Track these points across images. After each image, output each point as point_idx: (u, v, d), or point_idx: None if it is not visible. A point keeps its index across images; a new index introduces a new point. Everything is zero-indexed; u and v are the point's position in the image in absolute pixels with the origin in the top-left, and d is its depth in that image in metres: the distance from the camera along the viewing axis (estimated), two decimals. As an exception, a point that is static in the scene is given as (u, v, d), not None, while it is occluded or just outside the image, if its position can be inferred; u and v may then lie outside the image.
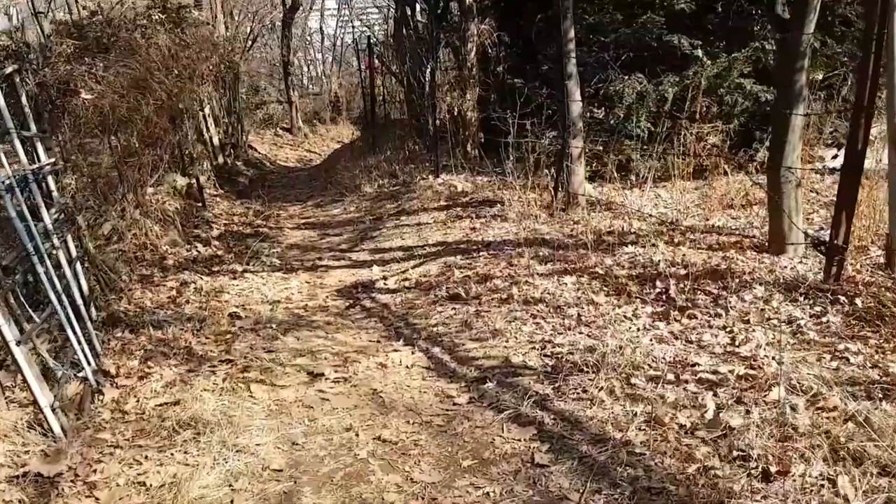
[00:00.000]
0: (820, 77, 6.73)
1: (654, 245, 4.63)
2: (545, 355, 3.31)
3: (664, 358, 3.07)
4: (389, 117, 13.24)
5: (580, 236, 5.19)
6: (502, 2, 9.13)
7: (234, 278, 5.29)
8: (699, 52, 6.81)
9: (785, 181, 3.99)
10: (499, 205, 6.54)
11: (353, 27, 22.45)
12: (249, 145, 15.31)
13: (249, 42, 19.57)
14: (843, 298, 3.25)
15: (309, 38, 26.18)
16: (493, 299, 4.20)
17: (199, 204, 7.78)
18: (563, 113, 5.94)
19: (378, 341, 3.90)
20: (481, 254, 5.23)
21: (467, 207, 6.76)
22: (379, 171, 9.19)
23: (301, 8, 21.43)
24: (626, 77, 6.94)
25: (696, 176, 6.76)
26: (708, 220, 5.53)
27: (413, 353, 3.63)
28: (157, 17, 6.35)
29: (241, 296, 4.87)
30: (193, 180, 7.81)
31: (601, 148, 7.11)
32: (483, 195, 7.06)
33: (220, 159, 11.17)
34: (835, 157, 6.81)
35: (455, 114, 8.24)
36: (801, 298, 3.40)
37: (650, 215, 5.70)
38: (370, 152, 10.64)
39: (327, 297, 5.00)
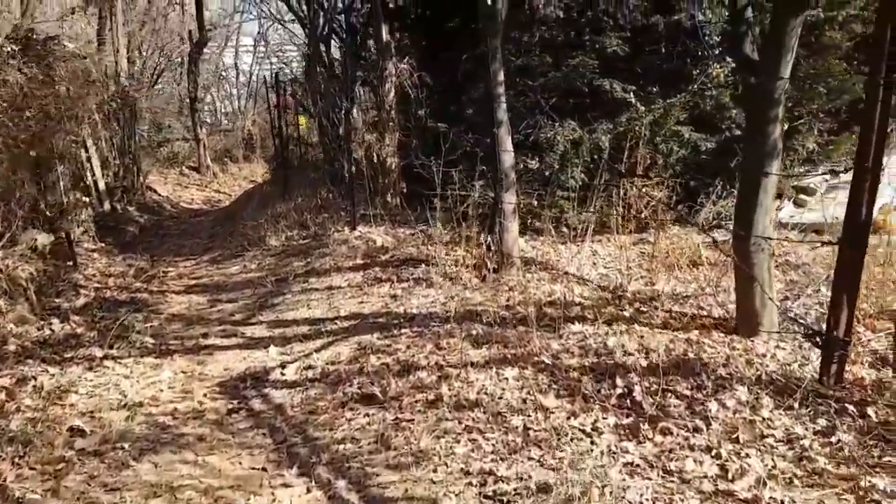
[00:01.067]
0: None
1: (606, 324, 3.95)
2: (486, 497, 2.49)
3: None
4: (305, 159, 12.32)
5: (518, 307, 4.46)
6: (423, 40, 8.52)
7: (91, 368, 4.21)
8: (632, 98, 6.35)
9: (757, 250, 3.40)
10: (424, 265, 5.74)
11: (271, 63, 21.55)
12: (148, 187, 13.98)
13: (154, 77, 18.39)
14: (851, 408, 2.62)
15: (224, 74, 25.12)
16: (416, 401, 3.36)
17: (70, 263, 6.59)
18: (493, 164, 5.25)
19: (264, 468, 2.96)
20: (403, 331, 4.39)
21: (387, 267, 5.93)
22: (288, 220, 8.23)
23: (208, 43, 20.40)
24: (558, 124, 6.39)
25: (637, 229, 6.24)
26: (654, 283, 4.93)
27: (309, 490, 2.73)
28: (8, 49, 5.27)
29: (92, 396, 3.81)
30: (63, 235, 6.64)
31: (535, 202, 6.49)
32: (406, 252, 6.25)
33: (107, 206, 9.91)
34: (779, 208, 6.46)
35: (373, 159, 7.45)
36: (797, 406, 2.74)
37: (590, 281, 5.04)
38: (280, 198, 9.67)
39: (206, 394, 4.00)
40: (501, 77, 5.21)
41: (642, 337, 3.70)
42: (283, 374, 4.15)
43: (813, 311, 4.01)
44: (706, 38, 6.04)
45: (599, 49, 6.45)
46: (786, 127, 5.87)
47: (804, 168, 6.80)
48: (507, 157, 5.20)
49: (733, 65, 6.00)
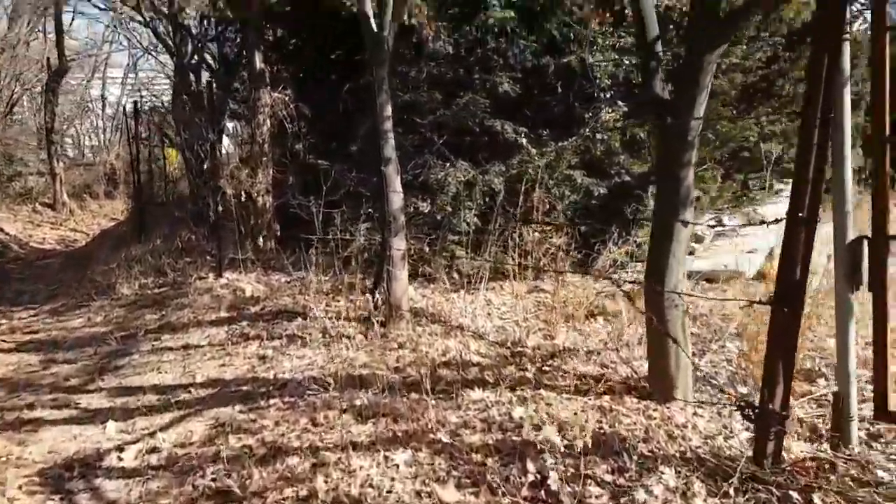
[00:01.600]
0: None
1: (509, 389, 3.48)
2: None
3: None
4: (170, 196, 11.20)
5: (409, 369, 3.90)
6: (301, 70, 7.95)
7: None
8: (524, 140, 6.11)
9: (671, 306, 3.08)
10: (300, 318, 5.06)
11: (141, 95, 20.07)
12: (-6, 225, 12.25)
13: (8, 106, 16.57)
14: (795, 496, 2.28)
15: (90, 105, 23.20)
16: (284, 499, 2.70)
17: None
18: (381, 205, 4.72)
19: None
20: (272, 402, 3.69)
21: (257, 321, 5.18)
22: (143, 265, 7.22)
23: (71, 73, 18.76)
24: (449, 164, 6.01)
25: (533, 276, 5.93)
26: (553, 337, 4.57)
27: None
28: None
29: None
30: None
31: (426, 247, 6.01)
32: (279, 303, 5.53)
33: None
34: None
35: (244, 198, 6.70)
36: (734, 493, 2.37)
37: (486, 335, 4.60)
38: (136, 240, 8.57)
39: (23, 486, 3.12)
40: (389, 111, 4.74)
41: (550, 405, 3.26)
42: (120, 460, 3.33)
43: (722, 369, 3.77)
44: (597, 80, 5.92)
45: (490, 88, 6.18)
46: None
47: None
48: (396, 199, 4.70)
49: (625, 109, 5.93)
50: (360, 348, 4.38)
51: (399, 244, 4.73)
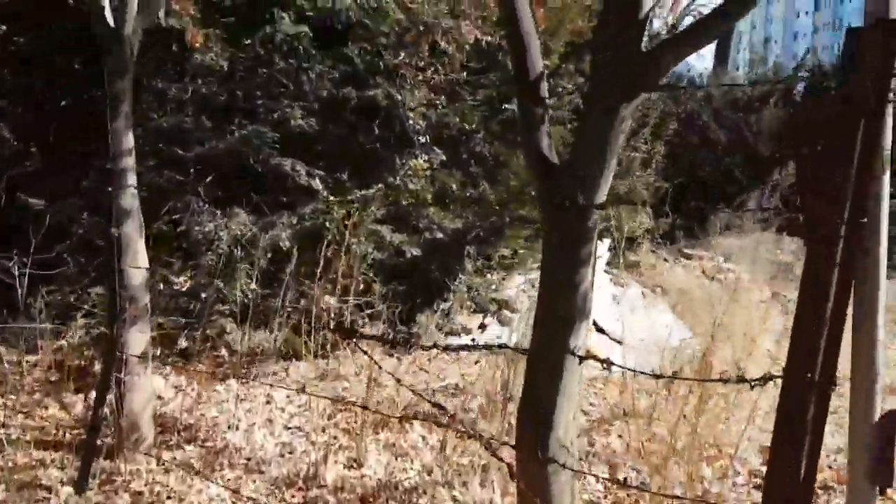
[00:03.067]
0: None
1: None
2: None
3: None
4: None
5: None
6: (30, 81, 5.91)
7: None
8: (320, 185, 4.95)
9: (557, 471, 2.11)
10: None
11: None
12: None
13: None
14: None
15: None
16: None
17: None
18: (110, 284, 3.18)
19: None
20: None
21: None
22: None
23: None
24: (221, 213, 4.61)
25: (332, 355, 4.74)
26: (361, 463, 3.42)
27: None
28: None
29: None
30: None
31: (181, 318, 4.51)
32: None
33: None
34: (482, 325, 5.63)
35: None
36: None
37: (266, 465, 3.31)
38: None
39: None
40: (130, 142, 3.26)
41: None
42: None
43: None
44: (409, 122, 4.99)
45: (279, 120, 4.93)
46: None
47: (502, 275, 6.19)
48: (137, 274, 3.20)
49: (442, 157, 5.06)
50: (65, 511, 2.81)
51: (139, 339, 3.25)
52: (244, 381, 4.48)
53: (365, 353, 2.26)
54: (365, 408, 2.85)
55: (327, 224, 4.79)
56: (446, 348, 2.21)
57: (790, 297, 8.91)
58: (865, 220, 1.34)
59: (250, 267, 4.50)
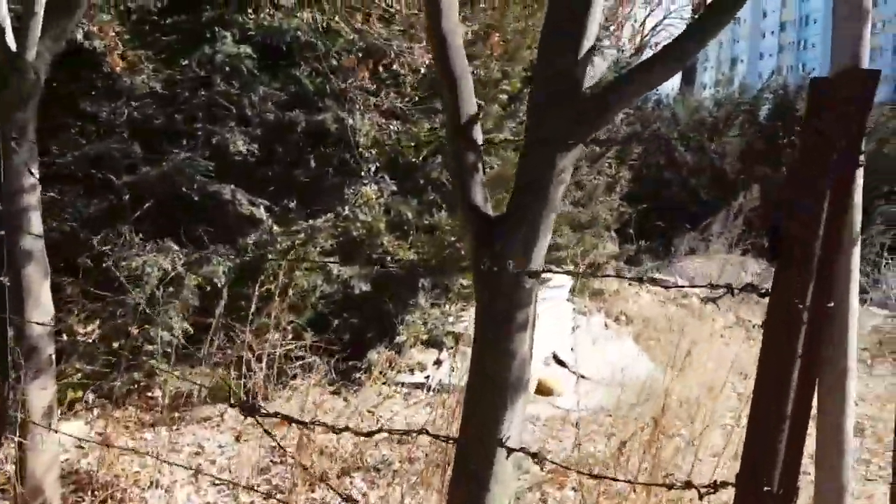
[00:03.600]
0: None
1: None
2: None
3: None
4: None
5: None
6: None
7: None
8: (263, 215, 4.66)
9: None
10: None
11: None
12: None
13: None
14: None
15: None
16: None
17: None
18: (13, 332, 2.85)
19: None
20: None
21: None
22: None
23: None
24: (150, 246, 4.28)
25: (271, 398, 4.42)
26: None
27: None
28: None
29: None
30: None
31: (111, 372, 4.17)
32: None
33: None
34: (438, 362, 5.36)
35: None
36: None
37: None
38: None
39: None
40: (31, 180, 2.94)
41: None
42: None
43: None
44: (359, 149, 4.73)
45: (219, 145, 4.63)
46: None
47: (461, 305, 5.95)
48: (38, 329, 2.88)
49: (393, 187, 4.81)
50: None
51: (41, 395, 2.91)
52: (174, 427, 4.16)
53: (268, 433, 1.96)
54: (302, 466, 2.56)
55: (269, 256, 4.50)
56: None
57: (754, 321, 8.84)
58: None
59: (181, 304, 4.18)
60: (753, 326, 8.41)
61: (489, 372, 1.89)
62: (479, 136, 2.02)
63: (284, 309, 4.66)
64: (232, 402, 3.13)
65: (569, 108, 1.79)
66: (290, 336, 4.56)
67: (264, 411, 1.88)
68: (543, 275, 1.72)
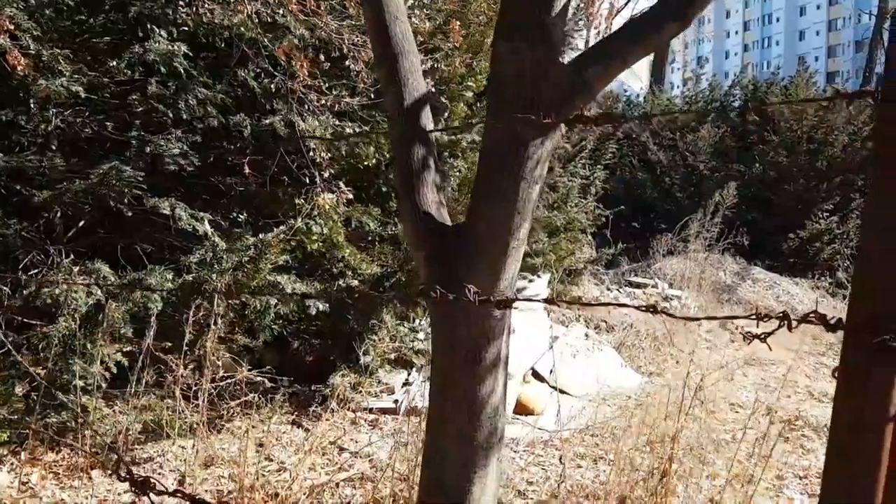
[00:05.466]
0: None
1: None
2: None
3: None
4: None
5: None
6: None
7: None
8: (208, 229, 4.20)
9: None
10: None
11: None
12: None
13: None
14: None
15: None
16: None
17: None
18: None
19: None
20: None
21: None
22: None
23: None
24: (80, 267, 3.80)
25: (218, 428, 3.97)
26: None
27: None
28: None
29: None
30: None
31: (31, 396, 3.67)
32: None
33: None
34: (406, 384, 4.94)
35: None
36: None
37: None
38: None
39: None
40: None
41: None
42: None
43: None
44: (310, 154, 4.30)
45: (155, 154, 4.16)
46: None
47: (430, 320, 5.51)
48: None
49: (349, 195, 4.38)
50: None
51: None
52: (110, 470, 3.68)
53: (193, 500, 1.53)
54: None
55: (214, 276, 4.04)
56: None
57: (737, 323, 8.55)
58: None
59: (113, 333, 3.70)
60: (737, 329, 8.13)
61: (453, 428, 1.48)
62: (429, 123, 1.62)
63: (234, 333, 4.23)
64: (121, 474, 2.67)
65: (542, 82, 1.40)
66: (245, 362, 4.12)
67: (160, 488, 1.45)
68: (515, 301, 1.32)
